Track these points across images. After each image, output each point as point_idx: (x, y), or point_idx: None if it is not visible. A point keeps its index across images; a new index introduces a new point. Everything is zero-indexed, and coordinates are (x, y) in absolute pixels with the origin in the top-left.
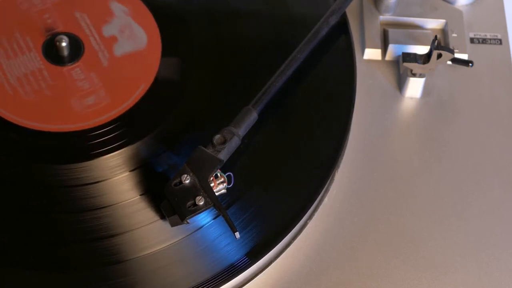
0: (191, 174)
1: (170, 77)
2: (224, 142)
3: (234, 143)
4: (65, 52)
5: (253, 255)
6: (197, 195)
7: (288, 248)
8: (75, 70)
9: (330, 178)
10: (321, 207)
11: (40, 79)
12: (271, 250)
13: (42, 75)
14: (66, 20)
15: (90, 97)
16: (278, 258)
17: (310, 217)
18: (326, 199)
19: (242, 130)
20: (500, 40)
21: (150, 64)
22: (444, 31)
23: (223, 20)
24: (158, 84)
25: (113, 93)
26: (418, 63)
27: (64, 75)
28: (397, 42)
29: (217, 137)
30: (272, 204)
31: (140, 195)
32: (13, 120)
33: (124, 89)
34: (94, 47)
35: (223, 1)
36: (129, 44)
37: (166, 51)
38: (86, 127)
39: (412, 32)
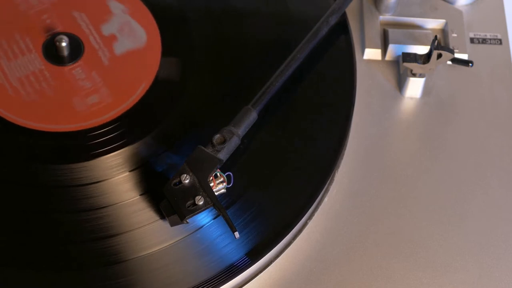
0: (190, 174)
1: (170, 77)
2: (223, 142)
3: (233, 143)
4: (65, 52)
5: (253, 255)
6: (197, 195)
7: (288, 248)
8: (76, 69)
9: (330, 178)
10: (321, 207)
11: (41, 79)
12: (271, 250)
13: (43, 76)
14: (65, 20)
15: (93, 96)
16: (278, 258)
17: (310, 217)
18: (326, 199)
19: (241, 130)
20: (500, 40)
21: (151, 61)
22: (444, 31)
23: (223, 20)
24: (158, 84)
25: (115, 91)
26: (418, 63)
27: (65, 75)
28: (397, 42)
29: (217, 136)
30: (272, 204)
31: (140, 195)
32: (15, 120)
33: (126, 87)
34: (94, 46)
35: (223, 1)
36: (129, 42)
37: (166, 51)
38: (89, 126)
39: (412, 32)
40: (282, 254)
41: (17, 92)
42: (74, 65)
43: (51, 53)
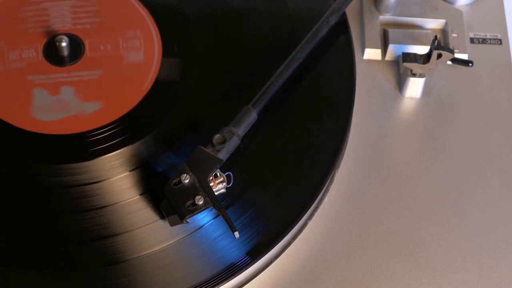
0: (190, 174)
1: (170, 77)
2: (223, 141)
3: (233, 143)
4: (65, 52)
5: (253, 255)
6: (197, 195)
7: (288, 248)
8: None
9: (330, 178)
10: (321, 207)
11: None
12: (271, 249)
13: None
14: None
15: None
16: (278, 258)
17: (310, 217)
18: (326, 199)
19: (241, 130)
20: (500, 40)
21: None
22: (444, 31)
23: (223, 20)
24: (158, 84)
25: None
26: (418, 63)
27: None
28: (397, 42)
29: (217, 136)
30: (272, 204)
31: (140, 195)
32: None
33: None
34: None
35: (223, 1)
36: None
37: (166, 51)
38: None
39: (412, 32)
40: (282, 254)
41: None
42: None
43: (51, 53)
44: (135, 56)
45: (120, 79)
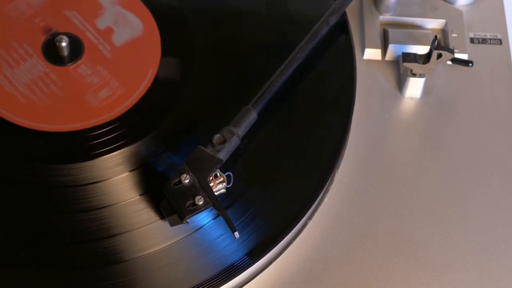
0: (190, 174)
1: (170, 77)
2: (223, 141)
3: (233, 143)
4: (66, 52)
5: (253, 255)
6: (197, 195)
7: (288, 248)
8: (81, 67)
9: (330, 178)
10: (321, 207)
11: (49, 82)
12: (271, 250)
13: (50, 78)
14: (58, 20)
15: (104, 90)
16: (278, 258)
17: (310, 217)
18: (326, 199)
19: (241, 129)
20: (500, 40)
21: (152, 48)
22: (444, 31)
23: (224, 19)
24: (158, 84)
25: (124, 81)
26: (418, 63)
27: (72, 74)
28: (397, 42)
29: (217, 136)
30: (272, 204)
31: (140, 195)
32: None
33: (134, 75)
34: (93, 41)
35: (223, 1)
36: (127, 32)
37: (166, 51)
38: (108, 120)
39: (412, 32)
40: (282, 254)
41: (28, 98)
42: (78, 63)
43: (52, 54)
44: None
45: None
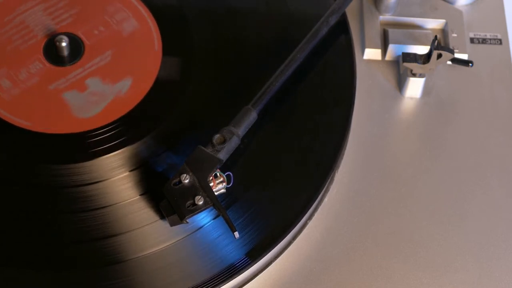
0: (190, 174)
1: (170, 77)
2: (223, 141)
3: (233, 143)
4: (66, 52)
5: (253, 255)
6: (197, 195)
7: (288, 248)
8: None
9: (330, 178)
10: (321, 207)
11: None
12: (271, 250)
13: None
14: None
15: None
16: (278, 258)
17: (310, 217)
18: (326, 199)
19: (241, 130)
20: (500, 40)
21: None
22: (444, 31)
23: (224, 19)
24: (158, 84)
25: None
26: (418, 63)
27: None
28: (397, 42)
29: (217, 136)
30: (272, 204)
31: (140, 195)
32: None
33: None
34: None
35: (223, 1)
36: (129, 25)
37: (166, 51)
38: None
39: (412, 32)
40: (282, 254)
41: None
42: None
43: (52, 54)
44: (129, 26)
45: (132, 50)
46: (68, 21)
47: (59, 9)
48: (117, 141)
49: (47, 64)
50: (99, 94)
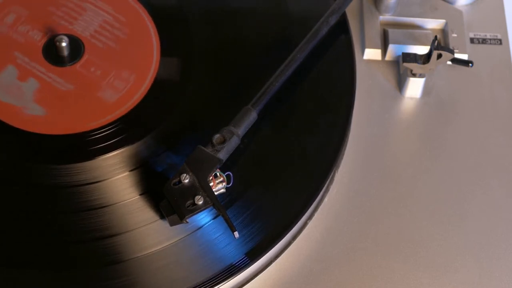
0: (190, 174)
1: (170, 77)
2: (223, 141)
3: (233, 143)
4: (66, 52)
5: (253, 255)
6: (196, 195)
7: (288, 248)
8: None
9: (330, 178)
10: (321, 207)
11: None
12: (271, 250)
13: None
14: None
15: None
16: (278, 258)
17: (310, 217)
18: (326, 199)
19: (241, 129)
20: (500, 40)
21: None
22: (444, 31)
23: (223, 19)
24: (158, 84)
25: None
26: (418, 63)
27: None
28: (397, 42)
29: (217, 136)
30: (272, 204)
31: (140, 195)
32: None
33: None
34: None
35: (223, 1)
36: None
37: (166, 51)
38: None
39: (412, 32)
40: (282, 254)
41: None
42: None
43: (52, 54)
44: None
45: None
46: (98, 44)
47: (110, 32)
48: (117, 141)
49: (40, 43)
50: (20, 93)
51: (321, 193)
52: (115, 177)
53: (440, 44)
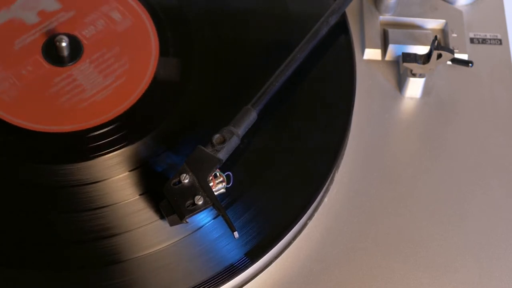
0: (190, 174)
1: (170, 77)
2: (223, 141)
3: (233, 143)
4: (66, 52)
5: (253, 255)
6: (196, 195)
7: (288, 248)
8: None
9: (330, 178)
10: (321, 207)
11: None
12: (271, 250)
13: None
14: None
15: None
16: (278, 258)
17: (310, 217)
18: (326, 199)
19: (241, 129)
20: (500, 40)
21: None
22: (444, 31)
23: (223, 19)
24: (157, 84)
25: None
26: (418, 63)
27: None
28: (397, 42)
29: (217, 136)
30: (272, 204)
31: (140, 195)
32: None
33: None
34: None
35: (223, 1)
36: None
37: (166, 51)
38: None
39: (412, 32)
40: (282, 254)
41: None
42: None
43: (52, 54)
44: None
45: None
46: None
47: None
48: (117, 141)
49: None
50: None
51: (321, 193)
52: (115, 177)
53: (440, 44)
